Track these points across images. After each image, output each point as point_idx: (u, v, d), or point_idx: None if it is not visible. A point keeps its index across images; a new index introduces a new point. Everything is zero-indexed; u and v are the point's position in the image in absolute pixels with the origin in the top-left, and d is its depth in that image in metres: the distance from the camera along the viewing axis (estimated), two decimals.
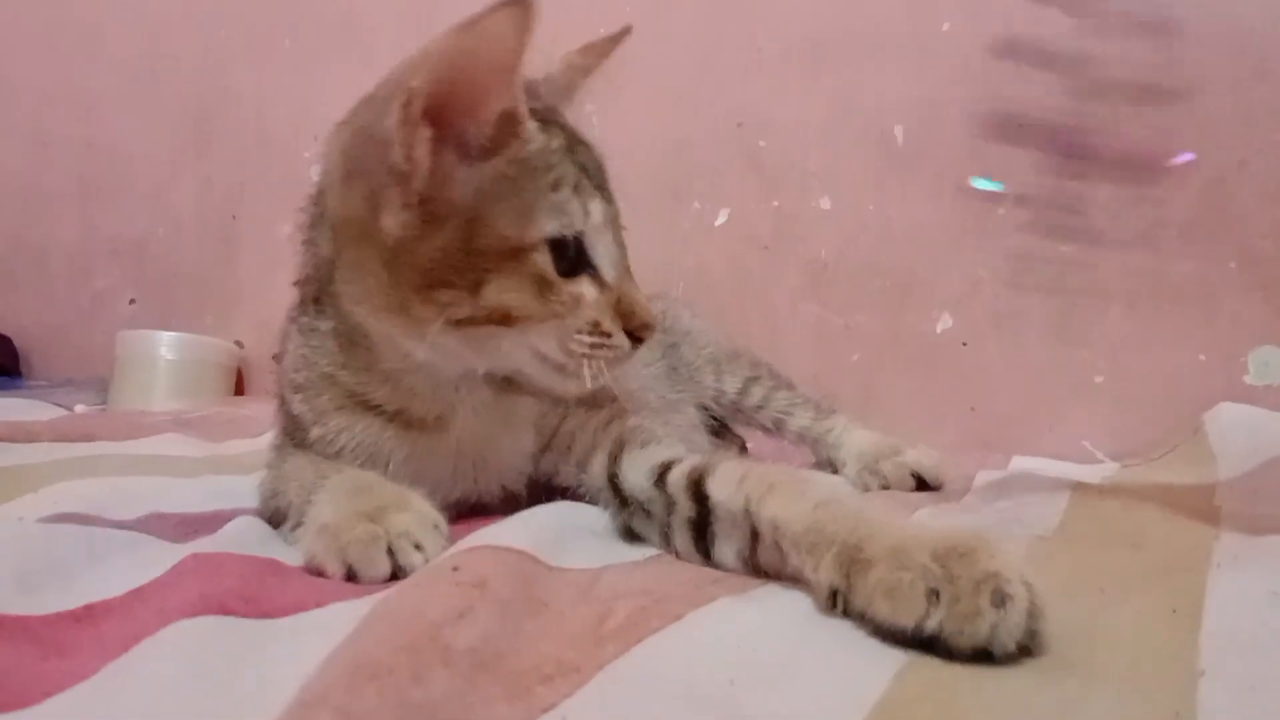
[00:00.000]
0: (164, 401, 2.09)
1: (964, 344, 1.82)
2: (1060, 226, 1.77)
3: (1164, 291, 1.71)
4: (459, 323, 0.83)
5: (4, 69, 2.68)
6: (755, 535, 0.75)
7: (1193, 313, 1.70)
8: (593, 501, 0.94)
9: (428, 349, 0.86)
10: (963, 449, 1.59)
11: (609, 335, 0.87)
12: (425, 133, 0.79)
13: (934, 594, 0.57)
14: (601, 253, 0.88)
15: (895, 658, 0.57)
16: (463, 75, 0.78)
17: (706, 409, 1.48)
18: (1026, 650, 0.55)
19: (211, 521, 0.91)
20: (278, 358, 1.01)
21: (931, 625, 0.56)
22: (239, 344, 2.39)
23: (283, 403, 1.00)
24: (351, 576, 0.72)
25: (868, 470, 1.34)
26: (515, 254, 0.83)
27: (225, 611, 0.62)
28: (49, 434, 1.43)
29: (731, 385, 1.50)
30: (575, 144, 0.90)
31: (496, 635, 0.57)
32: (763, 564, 0.76)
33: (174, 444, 1.46)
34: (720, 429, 1.52)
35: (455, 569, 0.62)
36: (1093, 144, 1.76)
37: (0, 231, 2.67)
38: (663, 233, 2.00)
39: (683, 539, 0.83)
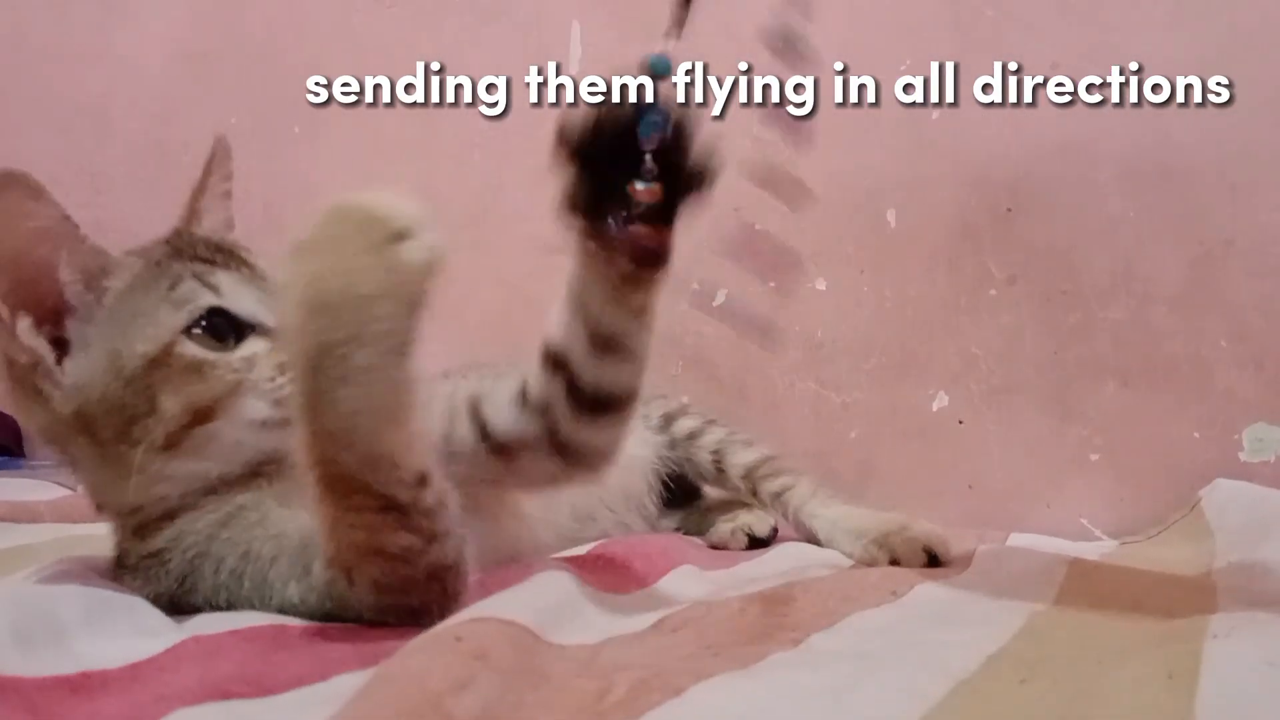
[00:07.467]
0: None
1: (960, 421, 1.83)
2: (1052, 304, 1.79)
3: (1157, 367, 1.72)
4: (167, 444, 0.84)
5: (12, 148, 2.73)
6: None
7: (1186, 389, 1.71)
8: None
9: (156, 485, 0.86)
10: (961, 526, 1.58)
11: None
12: (23, 322, 0.85)
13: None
14: (252, 308, 0.90)
15: None
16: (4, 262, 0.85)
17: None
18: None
19: None
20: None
21: None
22: None
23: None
24: None
25: (875, 544, 1.26)
26: (162, 359, 0.85)
27: (227, 696, 0.62)
28: (51, 514, 1.44)
29: (655, 411, 1.50)
30: (188, 247, 0.95)
31: (497, 707, 0.57)
32: None
33: None
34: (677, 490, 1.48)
35: (458, 639, 0.63)
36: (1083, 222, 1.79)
37: None
38: (663, 312, 2.02)
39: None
